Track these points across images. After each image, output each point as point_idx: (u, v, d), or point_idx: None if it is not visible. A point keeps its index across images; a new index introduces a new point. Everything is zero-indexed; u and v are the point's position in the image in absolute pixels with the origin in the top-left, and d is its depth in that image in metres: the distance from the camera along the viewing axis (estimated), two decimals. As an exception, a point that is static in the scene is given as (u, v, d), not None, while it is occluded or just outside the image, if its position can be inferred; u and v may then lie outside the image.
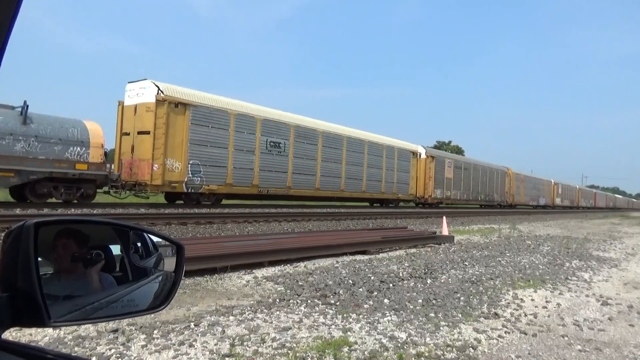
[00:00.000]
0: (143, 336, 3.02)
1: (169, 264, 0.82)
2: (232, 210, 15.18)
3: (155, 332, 3.09)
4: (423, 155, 27.96)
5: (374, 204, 25.70)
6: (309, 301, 4.10)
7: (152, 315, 3.48)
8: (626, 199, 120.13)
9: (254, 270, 5.47)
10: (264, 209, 17.03)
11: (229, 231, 9.83)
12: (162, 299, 0.79)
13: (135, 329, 3.13)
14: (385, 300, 4.24)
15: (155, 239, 0.81)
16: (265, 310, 3.76)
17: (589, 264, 7.46)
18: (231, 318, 3.49)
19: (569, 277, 6.03)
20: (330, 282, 4.92)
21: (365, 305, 4.04)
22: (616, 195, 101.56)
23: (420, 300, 4.30)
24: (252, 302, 4.02)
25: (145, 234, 0.81)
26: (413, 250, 8.23)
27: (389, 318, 3.68)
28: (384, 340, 3.11)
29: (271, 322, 3.43)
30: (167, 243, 0.82)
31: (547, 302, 4.58)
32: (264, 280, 4.95)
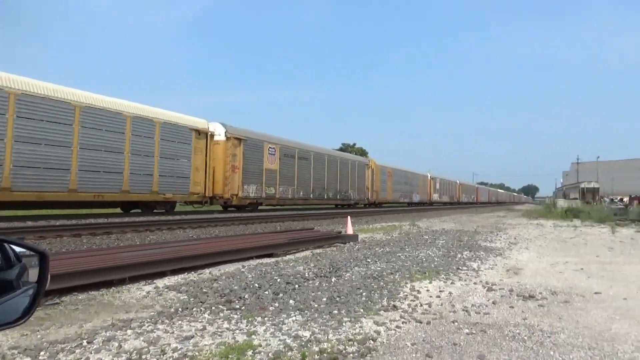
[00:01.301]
0: (28, 359, 2.76)
1: (35, 274, 0.76)
2: (132, 219, 14.37)
3: (42, 353, 2.86)
4: (221, 137, 19.19)
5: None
6: (213, 308, 4.02)
7: (39, 335, 3.20)
8: (508, 194, 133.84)
9: (155, 281, 5.24)
10: (168, 215, 16.34)
11: (128, 241, 9.30)
12: (23, 312, 0.74)
13: (19, 352, 2.87)
14: (291, 301, 4.29)
15: (17, 249, 0.75)
16: (166, 320, 3.62)
17: (477, 254, 8.16)
18: (129, 332, 3.32)
19: (460, 268, 6.55)
20: (236, 287, 4.87)
21: (271, 308, 4.05)
22: (498, 190, 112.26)
23: (324, 299, 4.42)
24: (152, 313, 3.85)
25: (6, 244, 0.75)
26: (319, 250, 8.41)
27: (294, 318, 3.74)
28: (288, 341, 3.15)
29: (173, 332, 3.31)
30: (31, 253, 0.77)
31: (440, 291, 4.94)
32: (165, 290, 4.76)
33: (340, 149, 65.47)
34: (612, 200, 47.10)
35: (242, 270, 6.03)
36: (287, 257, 7.46)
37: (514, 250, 8.96)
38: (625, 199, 48.31)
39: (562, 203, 31.35)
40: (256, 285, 5.00)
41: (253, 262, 6.74)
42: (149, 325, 3.47)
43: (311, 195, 25.61)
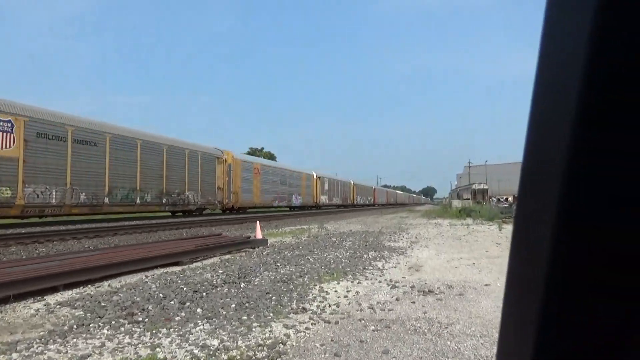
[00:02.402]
0: None
1: None
2: (17, 230, 13.01)
3: None
4: None
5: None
6: (113, 322, 3.77)
7: None
8: (408, 195, 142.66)
9: (45, 297, 4.79)
10: (59, 226, 15.03)
11: (13, 255, 8.40)
12: None
13: None
14: (198, 310, 4.17)
15: None
16: (59, 339, 3.33)
17: (382, 254, 8.53)
18: (14, 355, 3.00)
19: (366, 267, 6.81)
20: (138, 299, 4.61)
21: (177, 318, 3.90)
22: (397, 192, 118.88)
23: (233, 305, 4.35)
24: (42, 332, 3.52)
25: None
26: (228, 256, 8.26)
27: (202, 327, 3.63)
28: (195, 351, 3.06)
29: (66, 352, 3.05)
30: None
31: (347, 291, 5.09)
32: (58, 307, 4.38)
33: (248, 153, 64.97)
34: (498, 200, 51.80)
35: (146, 280, 5.74)
36: (194, 264, 7.23)
37: (415, 249, 9.50)
38: (510, 199, 53.52)
39: (456, 203, 33.88)
40: (161, 295, 4.78)
41: (157, 272, 6.44)
42: (38, 347, 3.17)
43: (106, 200, 17.23)
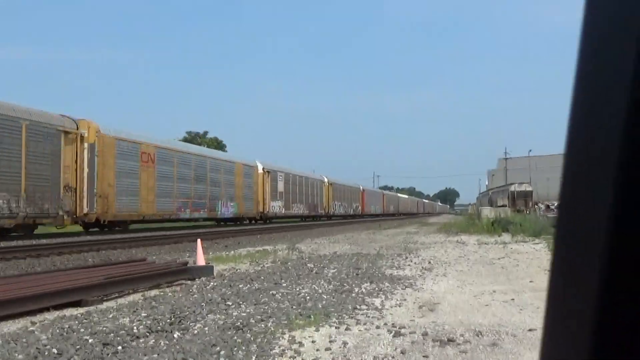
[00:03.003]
0: None
1: None
2: None
3: None
4: None
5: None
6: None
7: None
8: (416, 200, 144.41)
9: None
10: None
11: None
12: None
13: None
14: (111, 373, 4.11)
15: None
16: None
17: (381, 286, 8.58)
18: None
19: (358, 306, 6.83)
20: (21, 357, 4.53)
21: (78, 385, 3.84)
22: (400, 196, 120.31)
23: (163, 365, 4.30)
24: None
25: None
26: (155, 292, 8.19)
27: (116, 398, 3.58)
28: None
29: None
30: None
31: (330, 342, 5.10)
32: None
33: (185, 140, 64.68)
34: (547, 207, 52.62)
35: (32, 329, 5.65)
36: (105, 304, 7.15)
37: (428, 279, 9.58)
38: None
39: (487, 212, 34.39)
40: (54, 351, 4.71)
41: (50, 316, 6.35)
42: None
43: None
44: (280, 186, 45.38)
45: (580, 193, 0.65)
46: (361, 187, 77.61)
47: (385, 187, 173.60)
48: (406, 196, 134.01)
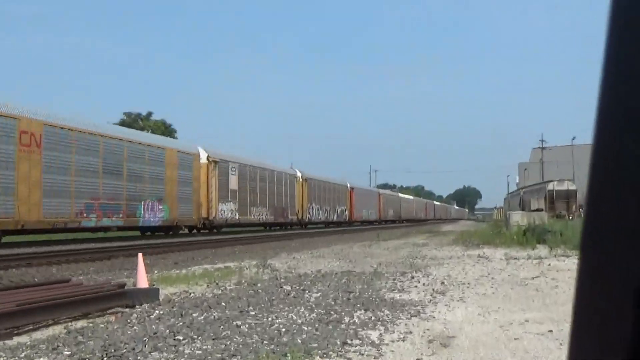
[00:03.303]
0: None
1: None
2: None
3: None
4: None
5: None
6: None
7: None
8: (424, 203, 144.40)
9: None
10: None
11: None
12: None
13: None
14: None
15: None
16: None
17: (379, 314, 8.61)
18: None
19: (349, 341, 6.86)
20: None
21: None
22: (402, 196, 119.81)
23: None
24: None
25: None
26: (82, 322, 8.16)
27: None
28: None
29: None
30: None
31: (314, 387, 5.11)
32: None
33: (122, 123, 64.41)
34: (595, 210, 52.98)
35: None
36: (16, 339, 7.12)
37: (441, 304, 9.63)
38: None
39: (518, 218, 34.51)
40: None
41: (-60, 356, 6.29)
42: None
43: None
44: (233, 182, 43.18)
45: (608, 192, 0.72)
46: (348, 185, 76.85)
47: (386, 186, 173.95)
48: (411, 197, 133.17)
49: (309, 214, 60.98)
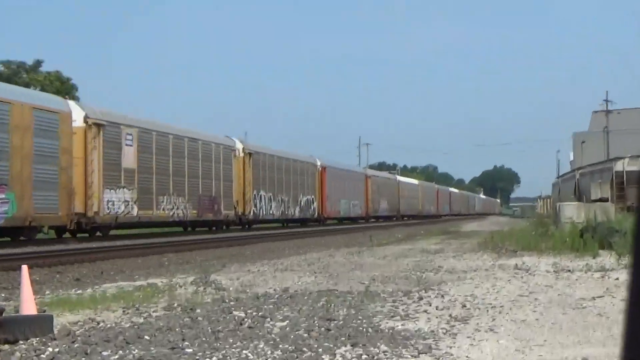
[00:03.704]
0: None
1: None
2: None
3: None
4: None
5: None
6: None
7: None
8: (433, 190, 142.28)
9: None
10: None
11: None
12: None
13: None
14: None
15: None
16: None
17: (372, 351, 8.63)
18: None
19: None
20: None
21: None
22: (400, 179, 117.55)
23: None
24: None
25: None
26: None
27: None
28: None
29: None
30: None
31: None
32: None
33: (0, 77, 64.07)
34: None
35: None
36: None
37: (461, 337, 9.66)
38: None
39: (572, 212, 34.58)
40: None
41: None
42: None
43: None
44: (129, 156, 41.22)
45: None
46: (318, 162, 75.62)
47: (383, 166, 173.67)
48: (414, 181, 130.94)
49: (255, 207, 58.40)
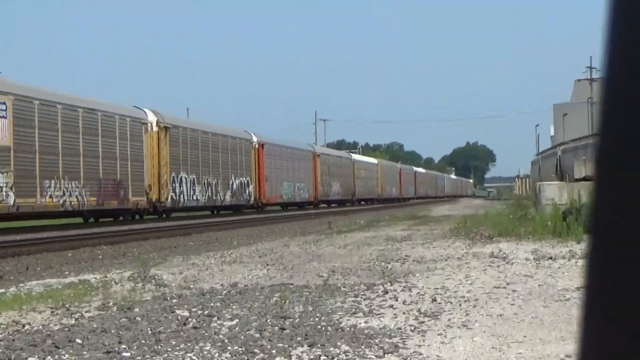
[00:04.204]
0: None
1: None
2: None
3: None
4: None
5: None
6: None
7: None
8: (395, 170, 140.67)
9: None
10: None
11: None
12: None
13: None
14: None
15: None
16: None
17: (332, 352, 8.66)
18: None
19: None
20: None
21: None
22: (355, 158, 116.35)
23: None
24: None
25: None
26: None
27: None
28: None
29: None
30: None
31: None
32: None
33: None
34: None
35: None
36: None
37: (432, 334, 9.72)
38: None
39: (554, 193, 34.79)
40: None
41: None
42: None
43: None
44: (1, 132, 37.82)
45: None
46: (254, 138, 72.50)
47: (342, 145, 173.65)
48: (373, 160, 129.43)
49: (174, 192, 54.22)
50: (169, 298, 13.47)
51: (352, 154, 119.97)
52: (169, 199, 53.13)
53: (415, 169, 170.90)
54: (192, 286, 15.19)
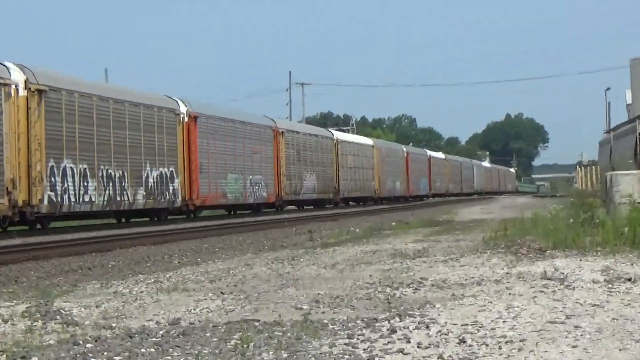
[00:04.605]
0: None
1: None
2: None
3: None
4: None
5: None
6: None
7: None
8: (400, 155, 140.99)
9: None
10: None
11: None
12: None
13: None
14: None
15: None
16: None
17: None
18: None
19: None
20: None
21: None
22: (340, 138, 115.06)
23: None
24: None
25: None
26: None
27: None
28: None
29: None
30: None
31: None
32: None
33: None
34: None
35: None
36: None
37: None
38: None
39: (631, 186, 34.85)
40: None
41: None
42: None
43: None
44: None
45: None
46: (182, 109, 69.01)
47: (327, 118, 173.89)
48: (368, 141, 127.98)
49: (53, 189, 50.03)
50: (81, 342, 13.16)
51: (335, 132, 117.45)
52: (46, 201, 48.83)
53: (430, 153, 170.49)
54: (114, 324, 15.00)
